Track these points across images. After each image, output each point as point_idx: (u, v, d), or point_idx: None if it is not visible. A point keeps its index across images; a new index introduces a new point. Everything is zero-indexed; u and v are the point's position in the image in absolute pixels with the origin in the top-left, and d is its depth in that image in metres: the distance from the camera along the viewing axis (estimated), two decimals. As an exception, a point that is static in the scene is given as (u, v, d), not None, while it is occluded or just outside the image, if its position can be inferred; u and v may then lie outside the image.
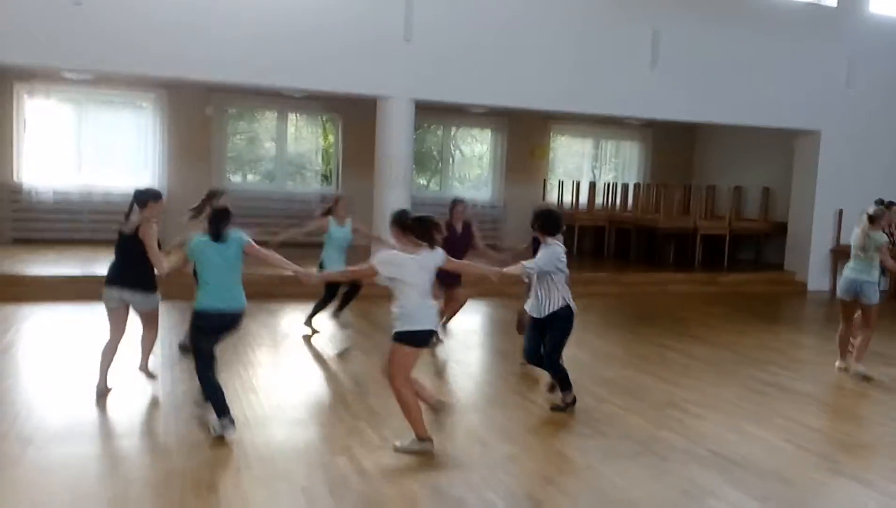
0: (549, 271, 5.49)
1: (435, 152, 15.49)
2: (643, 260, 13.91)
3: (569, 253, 5.70)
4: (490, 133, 15.22)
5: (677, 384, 6.73)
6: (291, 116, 13.95)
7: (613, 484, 4.47)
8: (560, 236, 5.67)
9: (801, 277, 13.15)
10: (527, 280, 5.78)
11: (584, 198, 14.92)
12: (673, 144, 16.20)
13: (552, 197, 15.18)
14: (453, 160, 15.51)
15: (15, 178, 12.17)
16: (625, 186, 15.31)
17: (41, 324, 8.02)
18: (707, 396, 6.40)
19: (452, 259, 4.95)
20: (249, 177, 14.02)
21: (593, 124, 15.56)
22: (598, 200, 15.06)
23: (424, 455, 4.69)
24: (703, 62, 11.94)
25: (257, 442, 4.82)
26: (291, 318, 8.56)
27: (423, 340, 4.76)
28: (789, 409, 6.10)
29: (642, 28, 11.56)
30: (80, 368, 6.35)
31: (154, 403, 5.59)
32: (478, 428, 5.34)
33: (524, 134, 15.08)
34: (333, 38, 10.04)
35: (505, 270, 5.48)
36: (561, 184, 15.03)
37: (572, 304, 5.60)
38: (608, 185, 15.34)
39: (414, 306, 4.63)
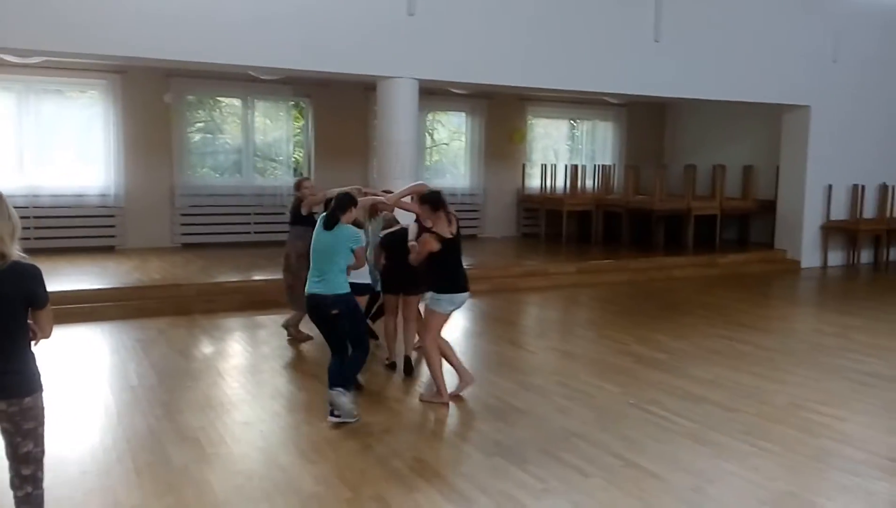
0: None
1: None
2: (634, 244, 13.48)
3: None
4: (465, 117, 14.39)
5: (778, 380, 6.21)
6: (258, 103, 12.67)
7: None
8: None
9: (793, 254, 13.04)
10: None
11: (563, 182, 14.31)
12: (646, 124, 15.85)
13: (533, 182, 14.60)
14: (429, 148, 14.60)
15: (-56, 181, 10.50)
16: (605, 169, 14.86)
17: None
18: (821, 393, 5.90)
19: None
20: (213, 170, 12.68)
21: (567, 105, 15.00)
22: (579, 183, 14.52)
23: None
24: (691, 36, 11.49)
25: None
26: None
27: None
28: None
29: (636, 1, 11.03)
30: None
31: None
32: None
33: (501, 117, 14.34)
34: (325, 11, 8.98)
35: None
36: (543, 168, 14.42)
37: None
38: (588, 167, 14.81)
39: None
